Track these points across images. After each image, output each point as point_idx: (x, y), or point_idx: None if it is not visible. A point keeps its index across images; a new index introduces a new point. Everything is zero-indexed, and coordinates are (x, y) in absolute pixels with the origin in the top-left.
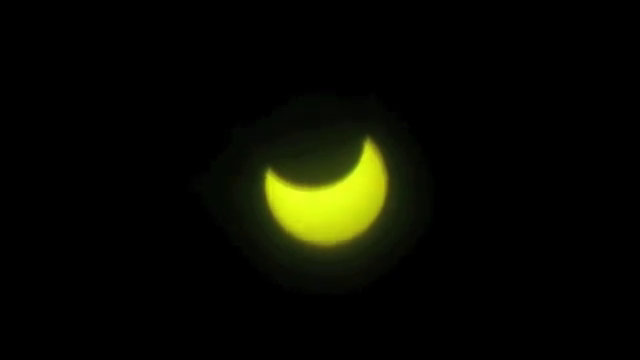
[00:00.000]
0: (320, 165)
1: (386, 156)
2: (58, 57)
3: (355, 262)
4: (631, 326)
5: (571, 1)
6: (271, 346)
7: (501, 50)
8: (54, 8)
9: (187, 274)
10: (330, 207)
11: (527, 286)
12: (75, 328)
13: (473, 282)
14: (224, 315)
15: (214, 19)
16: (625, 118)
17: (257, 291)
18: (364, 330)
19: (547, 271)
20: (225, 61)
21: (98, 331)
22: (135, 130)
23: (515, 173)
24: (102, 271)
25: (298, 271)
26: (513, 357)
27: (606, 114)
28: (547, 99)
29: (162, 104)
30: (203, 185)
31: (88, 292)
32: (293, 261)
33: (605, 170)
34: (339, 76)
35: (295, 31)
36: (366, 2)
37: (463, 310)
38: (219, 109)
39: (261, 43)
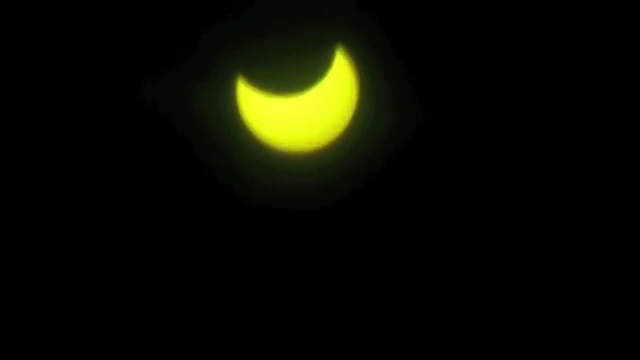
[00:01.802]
0: (290, 72)
1: (358, 63)
2: None
3: (328, 170)
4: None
5: None
6: (244, 259)
7: None
8: None
9: (156, 186)
10: (302, 114)
11: (508, 195)
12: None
13: (450, 192)
14: (192, 229)
15: None
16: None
17: (227, 201)
18: (340, 242)
19: (529, 175)
20: None
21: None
22: (100, 30)
23: (493, 83)
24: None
25: (271, 180)
26: (500, 274)
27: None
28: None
29: (126, 5)
30: (170, 91)
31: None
32: (266, 169)
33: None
34: None
35: None
36: None
37: (442, 221)
38: (187, 12)
39: None
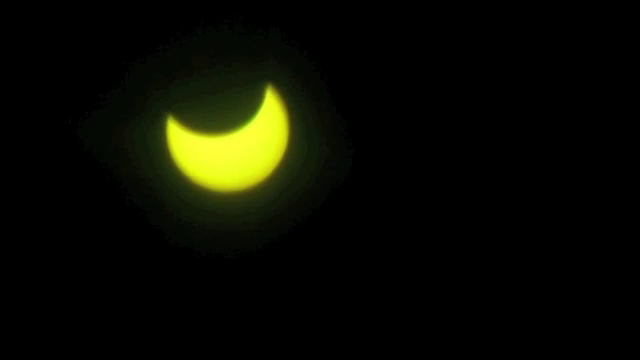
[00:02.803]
0: (221, 112)
1: (286, 104)
2: None
3: (254, 209)
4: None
5: None
6: (172, 300)
7: None
8: None
9: (85, 226)
10: (231, 154)
11: (435, 233)
12: None
13: (379, 232)
14: (122, 269)
15: None
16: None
17: (157, 241)
18: (268, 283)
19: (455, 222)
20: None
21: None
22: (31, 66)
23: (423, 120)
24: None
25: (200, 217)
26: (425, 310)
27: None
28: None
29: (57, 37)
30: (100, 130)
31: None
32: (196, 209)
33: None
34: (241, 10)
35: None
36: None
37: (370, 260)
38: (117, 46)
39: None
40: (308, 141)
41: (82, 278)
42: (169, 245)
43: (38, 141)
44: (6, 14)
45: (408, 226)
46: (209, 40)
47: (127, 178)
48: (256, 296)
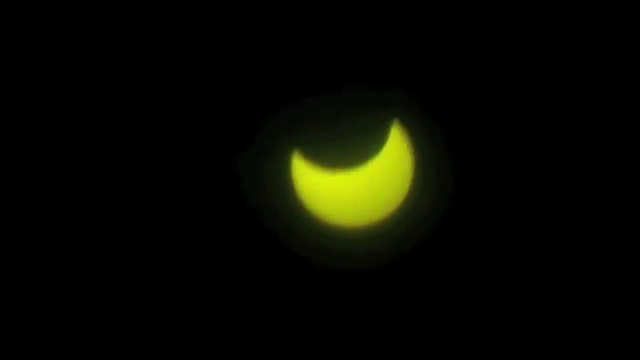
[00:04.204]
0: (346, 147)
1: (412, 139)
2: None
3: (379, 244)
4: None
5: None
6: (297, 324)
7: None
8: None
9: (218, 256)
10: (356, 190)
11: (545, 275)
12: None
13: (491, 269)
14: (254, 296)
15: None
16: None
17: (285, 272)
18: (385, 310)
19: (558, 268)
20: (259, 49)
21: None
22: (173, 115)
23: (534, 167)
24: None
25: (324, 253)
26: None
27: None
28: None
29: (197, 88)
30: (235, 168)
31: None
32: (319, 243)
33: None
34: (367, 66)
35: (325, 22)
36: None
37: (482, 296)
38: (252, 97)
39: (292, 35)
40: (433, 176)
41: (212, 303)
42: (297, 274)
43: (190, 176)
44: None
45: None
46: (338, 91)
47: (252, 213)
48: (367, 323)
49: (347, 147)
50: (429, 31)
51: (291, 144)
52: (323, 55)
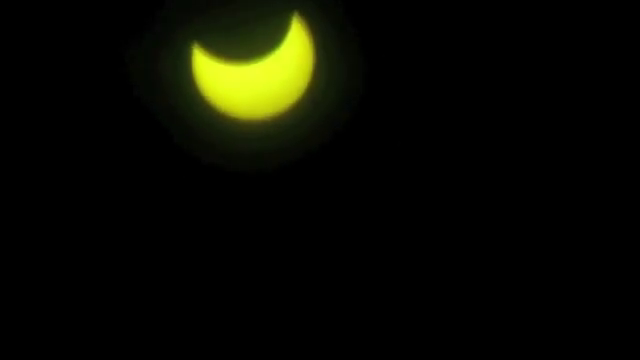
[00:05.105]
0: (247, 39)
1: (314, 30)
2: None
3: (284, 137)
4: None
5: None
6: (200, 224)
7: None
8: None
9: (111, 153)
10: (257, 82)
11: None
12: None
13: (402, 159)
14: (152, 194)
15: None
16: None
17: (183, 168)
18: (292, 206)
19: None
20: None
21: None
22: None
23: (446, 60)
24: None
25: (226, 147)
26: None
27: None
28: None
29: None
30: (129, 59)
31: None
32: (221, 137)
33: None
34: None
35: None
36: None
37: (391, 188)
38: None
39: None
40: (333, 69)
41: (108, 201)
42: (196, 171)
43: (82, 63)
44: None
45: (424, 157)
46: None
47: (153, 105)
48: (278, 222)
49: (247, 38)
50: None
51: (190, 35)
52: None
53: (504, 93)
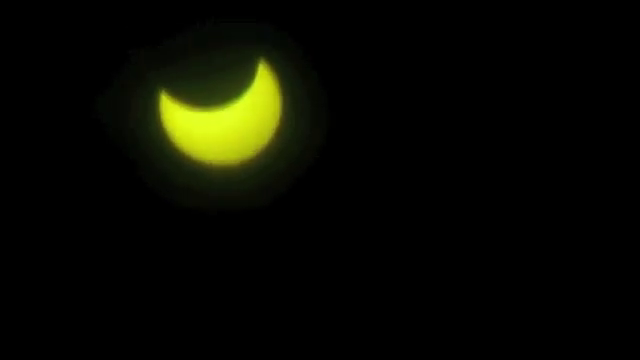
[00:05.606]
0: (214, 85)
1: (281, 76)
2: None
3: (251, 182)
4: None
5: None
6: (170, 265)
7: None
8: None
9: (83, 196)
10: (225, 127)
11: (422, 202)
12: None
13: (368, 200)
14: (123, 237)
15: None
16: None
17: (154, 212)
18: (261, 249)
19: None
20: None
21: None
22: (35, 50)
23: (412, 94)
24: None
25: (194, 191)
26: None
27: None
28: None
29: (60, 23)
30: (98, 107)
31: None
32: (190, 181)
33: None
34: (233, 1)
35: None
36: None
37: (358, 228)
38: (116, 33)
39: None
40: (301, 114)
41: (80, 243)
42: (165, 213)
43: (54, 114)
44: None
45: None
46: (201, 15)
47: (123, 150)
48: (243, 263)
49: (214, 85)
50: None
51: (159, 83)
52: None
53: (468, 144)
